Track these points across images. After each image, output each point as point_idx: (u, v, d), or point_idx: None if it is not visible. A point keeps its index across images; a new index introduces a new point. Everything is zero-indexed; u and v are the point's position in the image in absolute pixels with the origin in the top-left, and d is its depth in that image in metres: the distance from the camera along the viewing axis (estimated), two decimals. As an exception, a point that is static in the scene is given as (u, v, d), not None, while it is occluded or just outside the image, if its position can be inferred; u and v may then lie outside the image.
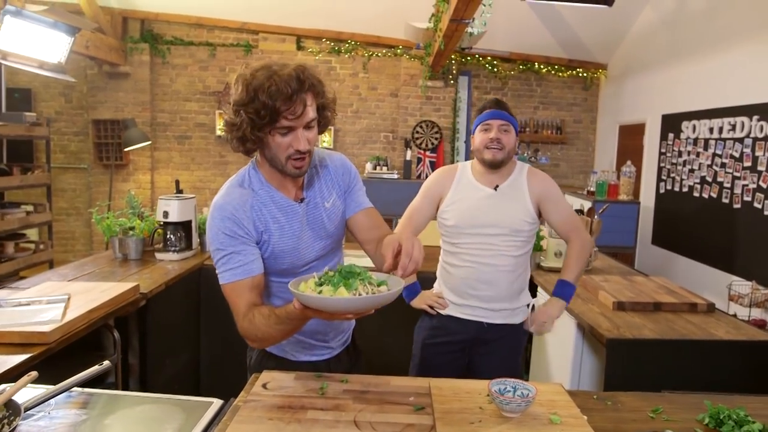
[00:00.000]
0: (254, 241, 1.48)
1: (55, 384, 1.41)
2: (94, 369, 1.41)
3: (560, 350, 2.64)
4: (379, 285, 1.29)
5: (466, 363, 2.23)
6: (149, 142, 6.75)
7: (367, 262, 1.67)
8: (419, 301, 2.26)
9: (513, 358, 2.25)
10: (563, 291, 2.14)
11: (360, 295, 1.23)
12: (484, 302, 2.17)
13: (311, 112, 1.41)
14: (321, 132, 1.52)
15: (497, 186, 2.16)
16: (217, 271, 1.49)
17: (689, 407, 1.56)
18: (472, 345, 2.21)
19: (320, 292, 1.25)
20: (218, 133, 7.31)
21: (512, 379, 1.46)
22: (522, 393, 1.42)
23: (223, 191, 1.51)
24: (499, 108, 2.16)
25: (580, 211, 3.31)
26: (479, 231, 2.13)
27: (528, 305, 2.26)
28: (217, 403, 1.48)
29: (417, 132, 7.27)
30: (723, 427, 1.41)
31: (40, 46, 4.56)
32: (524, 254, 2.21)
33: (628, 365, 2.09)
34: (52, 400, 1.41)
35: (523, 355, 3.13)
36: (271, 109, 1.34)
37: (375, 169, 7.08)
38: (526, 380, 3.15)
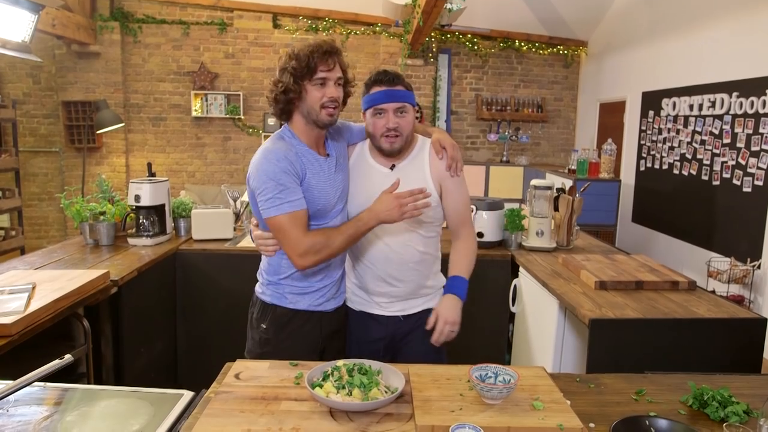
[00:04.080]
0: (300, 181, 1.75)
1: (20, 378, 1.33)
2: (54, 363, 1.33)
3: (542, 331, 2.62)
4: (378, 374, 1.46)
5: (391, 356, 2.02)
6: (122, 124, 6.56)
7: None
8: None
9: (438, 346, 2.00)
10: (458, 287, 1.93)
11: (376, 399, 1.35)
12: (396, 298, 1.98)
13: (339, 71, 1.77)
14: (343, 105, 1.84)
15: (393, 165, 1.93)
16: (266, 205, 1.71)
17: (673, 388, 1.54)
18: (392, 340, 2.01)
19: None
20: (194, 114, 7.14)
21: (494, 365, 1.42)
22: (504, 379, 1.38)
23: (269, 143, 1.79)
24: (391, 85, 1.86)
25: (561, 190, 3.27)
26: None
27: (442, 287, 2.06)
28: (187, 395, 1.42)
29: (397, 111, 7.17)
30: (707, 408, 1.39)
31: (2, 24, 4.37)
32: (432, 239, 2.00)
33: (610, 345, 2.07)
34: (11, 397, 1.33)
35: (505, 336, 3.13)
36: (310, 60, 1.71)
37: (355, 149, 6.97)
38: (508, 362, 3.12)
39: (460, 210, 1.99)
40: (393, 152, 1.90)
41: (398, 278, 1.95)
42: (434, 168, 1.94)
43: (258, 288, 1.96)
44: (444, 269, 2.07)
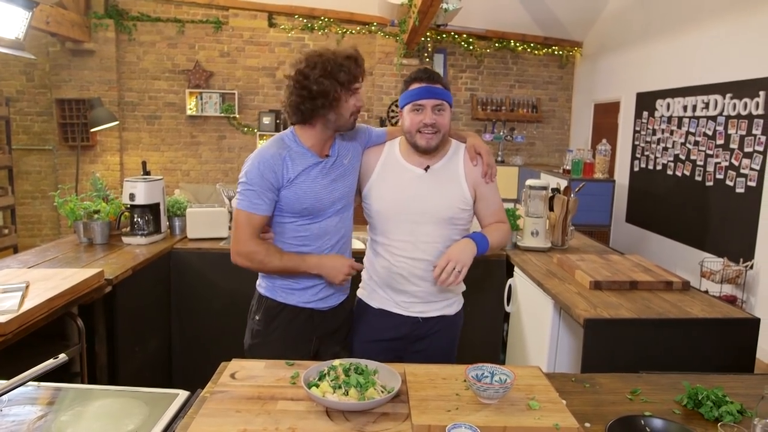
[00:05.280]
0: (277, 189, 1.80)
1: (14, 377, 1.32)
2: (49, 363, 1.32)
3: (537, 331, 2.62)
4: (374, 373, 1.45)
5: (400, 357, 2.00)
6: (117, 123, 6.52)
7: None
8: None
9: (448, 351, 2.06)
10: (478, 237, 1.88)
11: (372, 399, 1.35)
12: (419, 299, 1.97)
13: None
14: None
15: (428, 167, 1.93)
16: (238, 196, 1.82)
17: (667, 388, 1.55)
18: (406, 342, 2.01)
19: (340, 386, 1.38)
20: (189, 112, 7.12)
21: (490, 364, 1.42)
22: (500, 379, 1.38)
23: (265, 144, 1.87)
24: (431, 82, 1.86)
25: (556, 190, 3.28)
26: (406, 218, 1.91)
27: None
28: (182, 394, 1.41)
29: (392, 111, 7.18)
30: (701, 408, 1.40)
31: (-4, 21, 4.34)
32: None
33: (605, 345, 2.07)
34: (5, 397, 1.33)
35: (499, 336, 3.13)
36: (355, 70, 1.79)
37: (350, 148, 6.96)
38: (503, 362, 3.12)
39: (495, 212, 2.02)
40: (428, 149, 1.89)
41: (424, 278, 1.93)
42: (469, 173, 1.95)
43: (258, 281, 2.02)
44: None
